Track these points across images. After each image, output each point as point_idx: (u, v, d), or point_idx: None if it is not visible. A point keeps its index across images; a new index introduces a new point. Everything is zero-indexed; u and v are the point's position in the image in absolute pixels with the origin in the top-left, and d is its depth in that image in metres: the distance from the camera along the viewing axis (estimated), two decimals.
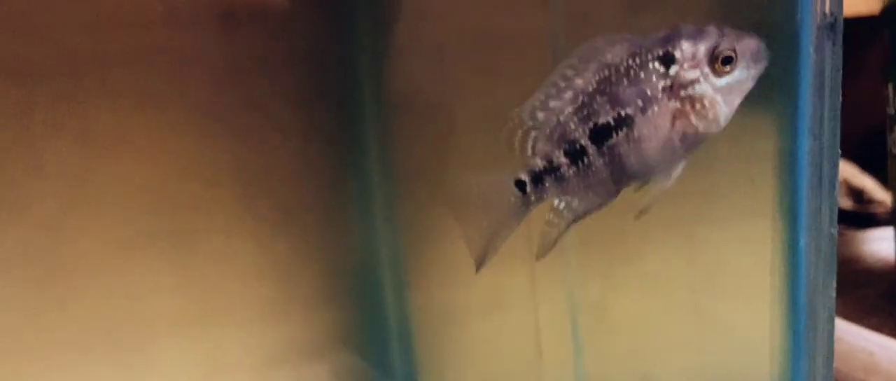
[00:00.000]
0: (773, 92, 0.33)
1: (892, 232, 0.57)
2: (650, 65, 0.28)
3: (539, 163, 0.29)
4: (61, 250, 0.33)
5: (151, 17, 0.33)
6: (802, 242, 0.34)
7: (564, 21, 0.36)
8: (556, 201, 0.30)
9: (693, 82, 0.28)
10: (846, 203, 0.68)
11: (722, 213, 0.37)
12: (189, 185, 0.36)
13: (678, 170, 0.29)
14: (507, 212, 0.30)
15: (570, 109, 0.29)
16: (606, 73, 0.28)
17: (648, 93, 0.28)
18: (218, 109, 0.36)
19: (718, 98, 0.28)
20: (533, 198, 0.29)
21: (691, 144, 0.29)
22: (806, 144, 0.33)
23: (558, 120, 0.29)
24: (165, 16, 0.34)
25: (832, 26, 0.32)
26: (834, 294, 0.35)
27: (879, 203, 0.67)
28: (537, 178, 0.29)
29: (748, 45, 0.28)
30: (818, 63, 0.32)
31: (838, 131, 0.33)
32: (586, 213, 0.30)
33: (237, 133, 0.36)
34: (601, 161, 0.29)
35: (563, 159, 0.29)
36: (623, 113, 0.28)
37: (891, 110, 0.46)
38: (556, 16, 0.36)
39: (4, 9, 0.32)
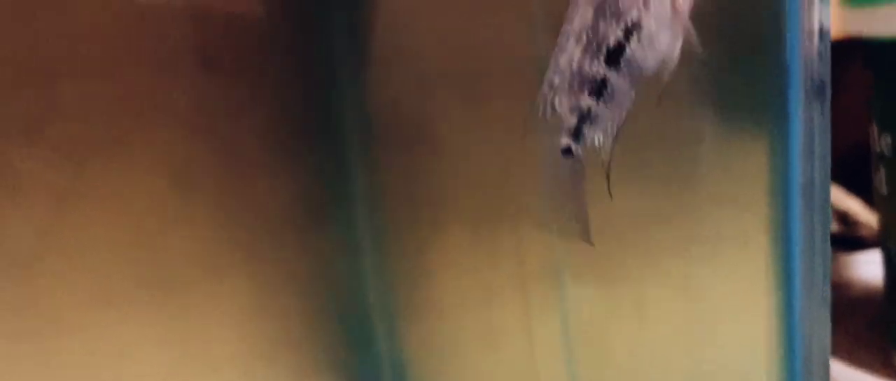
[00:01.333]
0: (763, 156, 0.34)
1: (878, 255, 0.57)
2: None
3: (571, 119, 0.29)
4: (39, 302, 0.33)
5: (121, 63, 0.33)
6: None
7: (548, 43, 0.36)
8: (595, 140, 0.29)
9: None
10: (833, 227, 0.69)
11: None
12: (169, 234, 0.36)
13: (679, 43, 0.29)
14: (572, 182, 0.30)
15: (578, 54, 0.28)
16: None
17: None
18: (194, 153, 0.36)
19: None
20: (580, 152, 0.29)
21: (688, 8, 0.28)
22: (797, 208, 0.33)
23: (571, 69, 0.29)
24: (136, 61, 0.34)
25: (820, 90, 0.33)
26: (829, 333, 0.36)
27: (865, 225, 0.67)
28: (577, 134, 0.29)
29: None
30: (807, 126, 0.33)
31: (829, 197, 0.33)
32: (619, 129, 0.29)
33: (216, 177, 0.36)
34: (621, 78, 0.28)
35: (589, 101, 0.29)
36: (629, 21, 0.28)
37: (876, 148, 0.46)
38: (538, 38, 0.36)
39: None
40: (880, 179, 0.47)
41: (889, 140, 0.45)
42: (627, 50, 0.28)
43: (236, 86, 0.36)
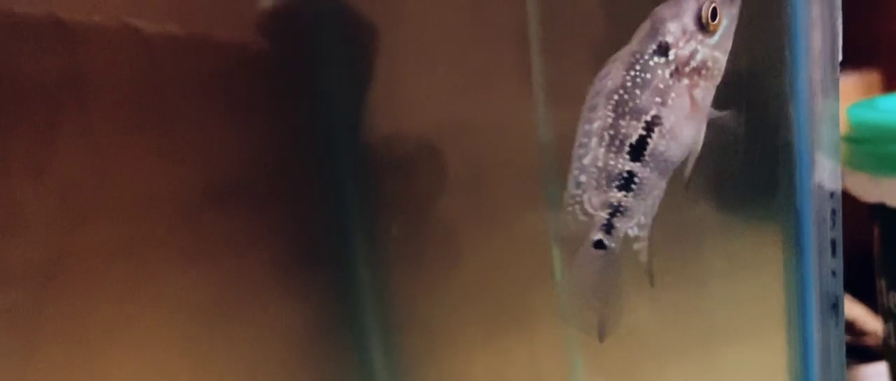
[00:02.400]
0: (780, 370, 0.34)
1: (884, 367, 0.58)
2: (650, 63, 0.29)
3: (602, 214, 0.30)
4: None
5: (133, 205, 0.34)
6: None
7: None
8: (630, 232, 0.31)
9: (693, 54, 0.29)
10: None
11: None
12: (179, 370, 0.36)
13: (703, 131, 0.30)
14: (603, 272, 0.31)
15: (601, 151, 0.30)
16: (616, 97, 0.29)
17: (661, 87, 0.29)
18: (201, 287, 0.36)
19: (717, 53, 0.30)
20: (613, 245, 0.31)
21: (707, 102, 0.30)
22: None
23: (597, 168, 0.30)
24: (147, 202, 0.34)
25: (834, 306, 0.33)
26: None
27: (871, 334, 0.68)
28: (608, 227, 0.30)
29: None
30: (823, 341, 0.33)
31: None
32: (654, 216, 0.31)
33: (224, 309, 0.37)
34: (648, 171, 0.30)
35: (618, 195, 0.30)
36: (648, 118, 0.29)
37: (884, 302, 0.47)
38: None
39: None
40: (889, 332, 0.47)
41: None
42: (650, 144, 0.30)
43: (243, 222, 0.37)
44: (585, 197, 0.30)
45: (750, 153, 0.33)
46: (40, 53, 0.31)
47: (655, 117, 0.29)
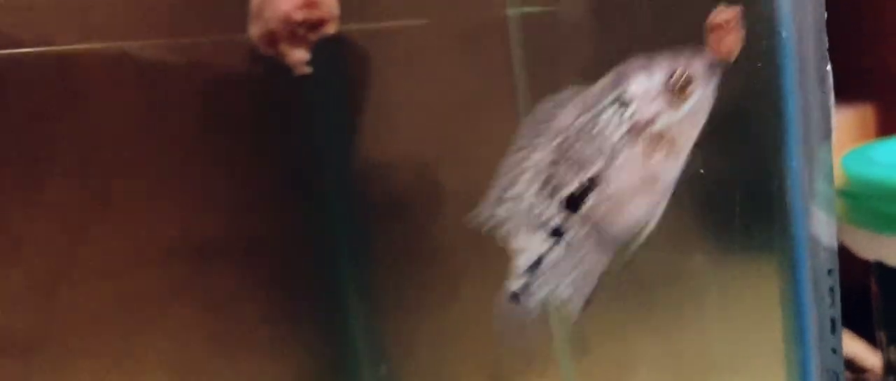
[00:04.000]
0: None
1: None
2: (604, 115, 0.26)
3: (522, 262, 0.27)
4: None
5: (119, 262, 0.34)
6: None
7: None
8: (556, 294, 0.27)
9: (655, 118, 0.26)
10: None
11: None
12: None
13: (661, 211, 0.27)
14: (519, 331, 0.28)
15: (533, 190, 0.27)
16: (560, 139, 0.26)
17: (611, 144, 0.26)
18: (196, 342, 0.36)
19: (684, 126, 0.27)
20: (530, 301, 0.27)
21: (672, 176, 0.27)
22: None
23: (524, 207, 0.27)
24: (136, 261, 0.34)
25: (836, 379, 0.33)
26: None
27: (871, 371, 0.68)
28: (527, 277, 0.27)
29: (701, 63, 0.27)
30: None
31: None
32: (595, 287, 0.27)
33: (218, 361, 0.36)
34: (583, 231, 0.27)
35: (544, 246, 0.27)
36: (591, 174, 0.26)
37: (884, 356, 0.47)
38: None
39: None
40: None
41: None
42: (588, 202, 0.26)
43: (236, 271, 0.36)
44: (505, 231, 0.27)
45: (745, 209, 0.33)
46: (34, 81, 0.31)
47: (598, 176, 0.26)
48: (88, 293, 0.33)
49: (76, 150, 0.32)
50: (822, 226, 0.32)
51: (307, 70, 0.26)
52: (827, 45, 0.33)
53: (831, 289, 0.33)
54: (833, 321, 0.33)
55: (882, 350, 0.47)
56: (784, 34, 0.31)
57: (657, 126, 0.26)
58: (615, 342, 0.36)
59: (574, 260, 0.27)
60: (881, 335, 0.47)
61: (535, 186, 0.27)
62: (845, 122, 0.72)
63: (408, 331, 0.41)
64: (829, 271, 0.33)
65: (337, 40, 0.34)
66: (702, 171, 0.33)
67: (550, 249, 0.27)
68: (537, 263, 0.27)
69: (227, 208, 0.35)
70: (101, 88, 0.32)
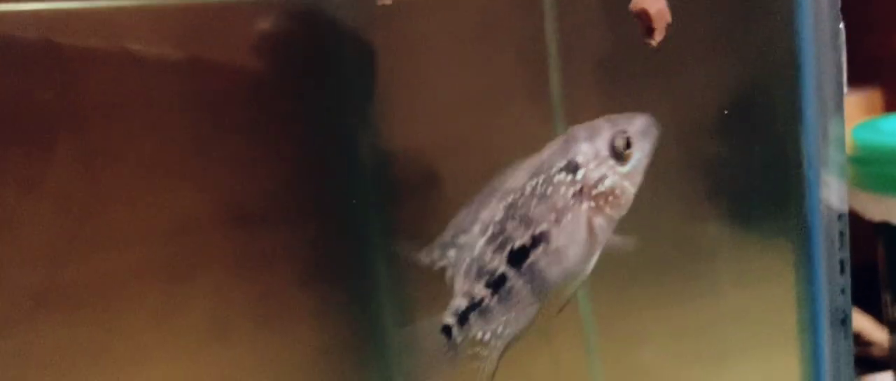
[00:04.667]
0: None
1: (891, 376, 0.59)
2: (556, 178, 0.29)
3: (462, 302, 0.29)
4: None
5: (161, 228, 0.35)
6: None
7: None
8: (480, 335, 0.29)
9: (601, 179, 0.29)
10: None
11: None
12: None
13: (594, 259, 0.30)
14: (439, 360, 0.30)
15: (482, 242, 0.29)
16: (511, 198, 0.29)
17: (560, 205, 0.29)
18: (233, 300, 0.37)
19: (626, 183, 0.29)
20: (459, 339, 0.29)
21: (606, 233, 0.29)
22: None
23: (472, 256, 0.29)
24: (173, 225, 0.35)
25: (843, 322, 0.35)
26: None
27: (877, 345, 0.69)
28: (462, 317, 0.29)
29: (638, 124, 0.29)
30: (833, 354, 0.35)
31: None
32: (513, 336, 0.30)
33: (254, 322, 0.38)
34: (521, 282, 0.29)
35: (485, 292, 0.29)
36: (538, 231, 0.29)
37: (890, 316, 0.49)
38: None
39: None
40: (893, 344, 0.49)
41: None
42: (531, 257, 0.29)
43: (272, 238, 0.38)
44: (449, 271, 0.29)
45: (761, 178, 0.35)
46: (36, 77, 0.32)
47: (544, 233, 0.29)
48: (131, 255, 0.34)
49: (121, 119, 0.34)
50: (833, 174, 0.35)
51: (389, 2, 0.28)
52: (840, 3, 0.34)
53: (841, 232, 0.35)
54: (842, 263, 0.35)
55: (886, 311, 0.49)
56: None
57: (603, 186, 0.29)
58: (634, 309, 0.38)
59: (509, 306, 0.29)
60: (886, 297, 0.49)
61: (484, 239, 0.29)
62: (853, 105, 0.74)
63: (430, 299, 0.42)
64: (840, 216, 0.35)
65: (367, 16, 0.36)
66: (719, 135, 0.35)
67: (488, 297, 0.29)
68: (474, 307, 0.29)
69: (264, 178, 0.37)
70: (141, 51, 0.33)
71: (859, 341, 0.72)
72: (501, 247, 0.29)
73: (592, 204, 0.29)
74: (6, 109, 0.31)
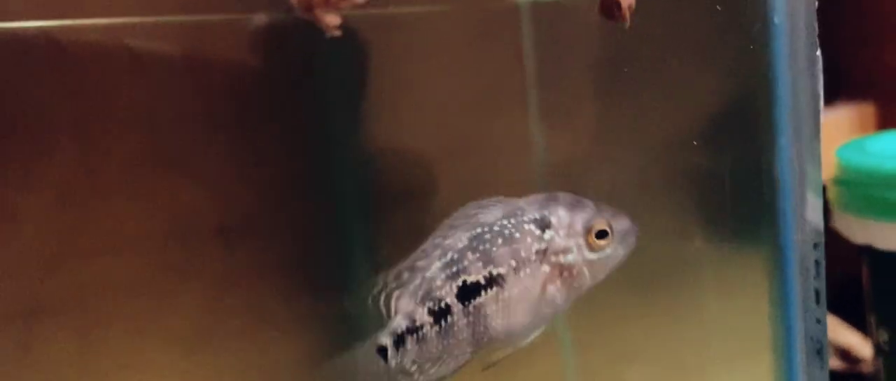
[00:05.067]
0: None
1: None
2: (526, 226, 0.29)
3: (401, 323, 0.28)
4: None
5: (144, 237, 0.35)
6: None
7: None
8: (407, 364, 0.29)
9: (566, 250, 0.29)
10: (835, 363, 0.71)
11: None
12: None
13: (534, 336, 0.29)
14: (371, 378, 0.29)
15: (437, 265, 0.28)
16: (479, 230, 0.28)
17: (522, 254, 0.28)
18: (217, 314, 0.37)
19: (586, 270, 0.29)
20: (393, 363, 0.28)
21: (553, 310, 0.29)
22: None
23: (423, 277, 0.28)
24: (157, 234, 0.35)
25: (819, 352, 0.35)
26: None
27: (866, 362, 0.69)
28: (399, 340, 0.28)
29: (621, 224, 0.29)
30: None
31: None
32: (437, 379, 0.29)
33: (237, 335, 0.38)
34: (465, 321, 0.28)
35: (426, 318, 0.28)
36: (496, 271, 0.28)
37: (874, 339, 0.48)
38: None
39: None
40: (878, 367, 0.49)
41: (886, 336, 0.47)
42: (481, 297, 0.28)
43: (256, 250, 0.38)
44: (396, 293, 0.29)
45: (737, 202, 0.35)
46: (37, 76, 0.32)
47: (501, 276, 0.28)
48: (114, 265, 0.34)
49: (108, 126, 0.33)
50: (809, 203, 0.34)
51: (338, 33, 0.28)
52: (817, 31, 0.34)
53: (817, 262, 0.35)
54: (817, 293, 0.35)
55: (871, 333, 0.49)
56: (776, 20, 0.33)
57: (566, 259, 0.29)
58: (610, 326, 0.38)
59: (445, 343, 0.29)
60: (871, 318, 0.49)
61: (440, 264, 0.29)
62: (846, 119, 0.73)
63: None
64: (815, 245, 0.35)
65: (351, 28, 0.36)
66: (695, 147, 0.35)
67: (429, 325, 0.28)
68: (412, 331, 0.28)
69: (248, 191, 0.36)
70: (125, 64, 0.33)
71: (848, 358, 0.72)
72: (454, 277, 0.28)
73: (550, 270, 0.29)
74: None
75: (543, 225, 0.29)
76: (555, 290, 0.29)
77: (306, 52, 0.36)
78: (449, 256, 0.28)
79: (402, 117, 0.38)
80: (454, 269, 0.28)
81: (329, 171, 0.38)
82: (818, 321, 0.35)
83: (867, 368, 0.70)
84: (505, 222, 0.29)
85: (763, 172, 0.34)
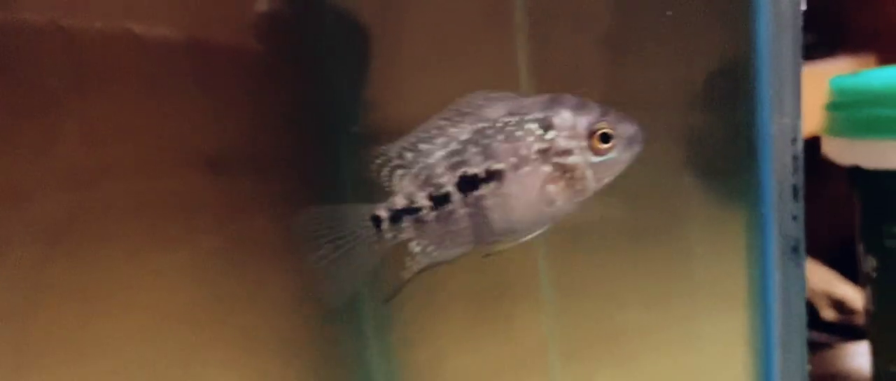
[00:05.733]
0: (741, 309, 0.35)
1: (867, 346, 0.58)
2: (528, 125, 0.29)
3: (399, 201, 0.29)
4: None
5: (156, 165, 0.35)
6: None
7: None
8: (412, 245, 0.29)
9: (568, 152, 0.29)
10: (829, 314, 0.70)
11: None
12: (179, 325, 0.37)
13: (536, 233, 0.30)
14: (359, 246, 0.29)
15: (440, 153, 0.29)
16: (483, 125, 0.29)
17: (523, 152, 0.29)
18: (211, 253, 0.37)
19: (589, 173, 0.29)
20: (388, 236, 0.29)
21: (555, 211, 0.29)
22: (775, 359, 0.35)
23: (426, 162, 0.29)
24: (169, 163, 0.35)
25: (795, 249, 0.34)
26: None
27: (859, 314, 0.68)
28: (396, 216, 0.29)
29: (626, 129, 0.29)
30: (782, 283, 0.34)
31: (805, 346, 0.35)
32: (441, 262, 0.30)
33: (227, 268, 0.38)
34: (464, 211, 0.29)
35: (425, 202, 0.29)
36: (495, 167, 0.29)
37: (863, 268, 0.47)
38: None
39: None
40: (867, 296, 0.48)
41: (874, 263, 0.46)
42: (481, 189, 0.29)
43: (243, 186, 0.38)
44: (399, 171, 0.29)
45: (712, 100, 0.34)
46: (43, 56, 0.32)
47: (500, 172, 0.29)
48: (115, 191, 0.34)
49: (113, 58, 0.33)
50: (786, 102, 0.34)
51: None
52: None
53: (794, 157, 0.34)
54: (794, 188, 0.34)
55: (860, 263, 0.48)
56: None
57: (568, 160, 0.29)
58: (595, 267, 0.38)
59: (444, 229, 0.29)
60: (860, 248, 0.48)
61: (443, 153, 0.29)
62: (847, 70, 0.73)
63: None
64: (793, 140, 0.34)
65: None
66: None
67: (427, 209, 0.29)
68: (409, 212, 0.29)
69: (246, 125, 0.36)
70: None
71: (843, 309, 0.71)
72: (455, 167, 0.29)
73: (550, 170, 0.29)
74: None
75: (546, 125, 0.29)
76: (555, 190, 0.29)
77: (303, 18, 0.36)
78: (451, 146, 0.29)
79: (405, 93, 0.37)
80: (454, 160, 0.29)
81: (332, 143, 0.38)
82: (794, 218, 0.34)
83: (860, 319, 0.69)
84: (508, 118, 0.29)
85: (740, 66, 0.34)
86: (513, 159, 0.28)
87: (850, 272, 0.73)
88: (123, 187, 0.35)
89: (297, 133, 0.39)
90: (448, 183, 0.29)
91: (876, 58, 0.74)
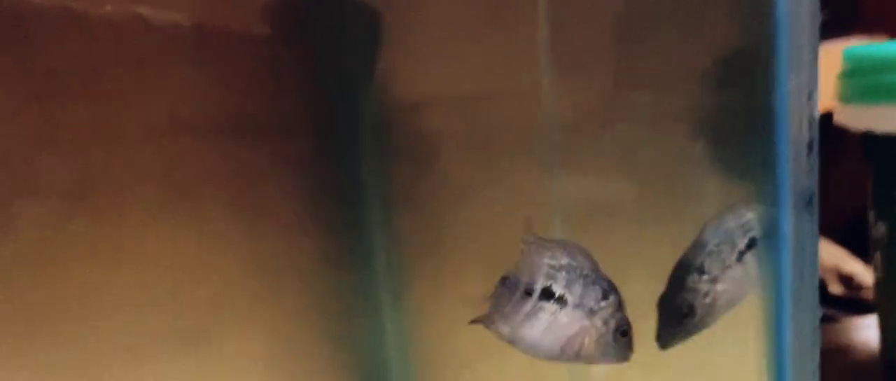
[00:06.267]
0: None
1: (875, 319, 0.59)
2: (591, 287, 0.32)
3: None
4: (66, 355, 0.35)
5: (163, 132, 0.36)
6: None
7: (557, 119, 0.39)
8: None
9: (602, 327, 0.31)
10: (837, 289, 0.70)
11: None
12: (198, 289, 0.38)
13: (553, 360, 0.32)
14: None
15: (544, 261, 0.32)
16: (574, 261, 0.32)
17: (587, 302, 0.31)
18: (230, 215, 0.38)
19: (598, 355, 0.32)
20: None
21: (568, 357, 0.32)
22: (787, 313, 0.35)
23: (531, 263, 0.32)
24: (176, 130, 0.36)
25: (809, 201, 0.35)
26: None
27: (868, 289, 0.69)
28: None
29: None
30: (797, 236, 0.35)
31: (817, 303, 0.35)
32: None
33: (245, 235, 0.38)
34: (524, 312, 0.32)
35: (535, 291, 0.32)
36: (563, 293, 0.31)
37: (873, 234, 0.48)
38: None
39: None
40: (877, 263, 0.49)
41: (884, 229, 0.47)
42: (547, 301, 0.31)
43: (264, 152, 0.38)
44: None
45: (726, 55, 0.34)
46: (52, 41, 0.32)
47: (562, 297, 0.32)
48: (130, 154, 0.35)
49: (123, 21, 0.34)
50: (805, 57, 0.34)
51: None
52: None
53: (810, 115, 0.34)
54: (810, 143, 0.34)
55: (871, 230, 0.49)
56: None
57: (596, 330, 0.32)
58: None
59: (514, 314, 0.32)
60: (872, 215, 0.48)
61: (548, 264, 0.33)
62: None
63: (419, 226, 0.43)
64: (809, 95, 0.34)
65: None
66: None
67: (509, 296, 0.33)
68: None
69: (261, 88, 0.37)
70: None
71: (851, 284, 0.72)
72: (546, 278, 0.32)
73: (586, 323, 0.31)
74: None
75: (606, 294, 0.32)
76: (578, 344, 0.32)
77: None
78: (548, 257, 0.32)
79: (424, 71, 0.39)
80: (546, 271, 0.32)
81: (350, 114, 0.38)
82: (810, 170, 0.35)
83: (869, 294, 0.70)
84: (588, 269, 0.32)
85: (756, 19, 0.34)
86: (572, 291, 0.32)
87: (859, 252, 0.74)
88: (150, 149, 0.35)
89: (316, 100, 0.39)
90: (533, 284, 0.32)
91: (889, 38, 0.74)
